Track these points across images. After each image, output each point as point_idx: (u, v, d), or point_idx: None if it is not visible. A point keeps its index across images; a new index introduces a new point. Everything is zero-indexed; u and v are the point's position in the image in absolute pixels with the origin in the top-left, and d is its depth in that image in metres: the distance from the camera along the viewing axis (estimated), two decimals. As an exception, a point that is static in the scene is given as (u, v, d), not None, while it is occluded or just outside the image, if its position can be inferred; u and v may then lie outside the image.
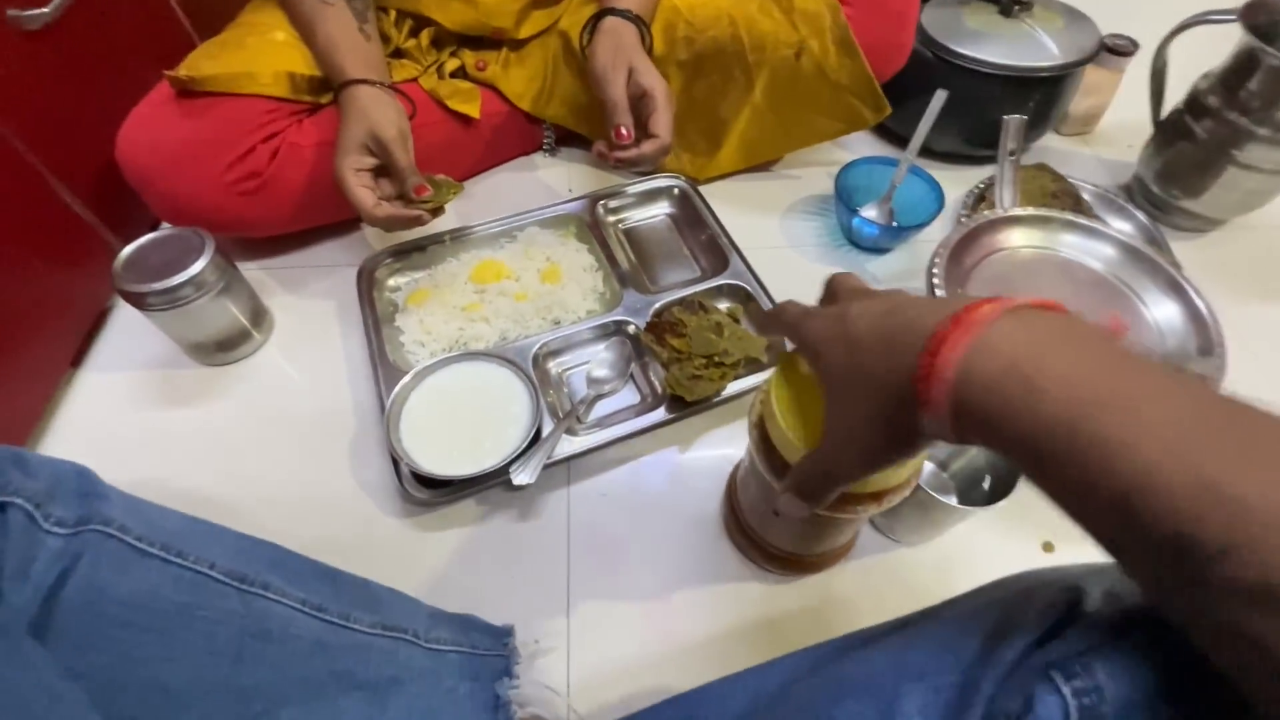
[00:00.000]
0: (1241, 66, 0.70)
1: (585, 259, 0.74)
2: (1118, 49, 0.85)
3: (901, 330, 0.25)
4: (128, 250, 0.61)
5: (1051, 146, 0.93)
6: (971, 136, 0.85)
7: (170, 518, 0.40)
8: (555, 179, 0.86)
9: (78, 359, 0.68)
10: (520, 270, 0.72)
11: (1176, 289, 0.54)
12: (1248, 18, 0.68)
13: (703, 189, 0.81)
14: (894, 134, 0.91)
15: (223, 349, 0.67)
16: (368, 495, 0.60)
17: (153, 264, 0.60)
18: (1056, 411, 0.20)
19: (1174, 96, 0.78)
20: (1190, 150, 0.75)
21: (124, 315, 0.72)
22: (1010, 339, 0.22)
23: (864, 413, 0.27)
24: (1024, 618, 0.28)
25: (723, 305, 0.70)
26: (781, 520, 0.48)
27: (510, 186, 0.85)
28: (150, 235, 0.62)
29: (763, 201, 0.84)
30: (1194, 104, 0.75)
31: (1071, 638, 0.25)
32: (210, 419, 0.65)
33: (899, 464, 0.31)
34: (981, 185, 0.82)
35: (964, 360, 0.22)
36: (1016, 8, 0.80)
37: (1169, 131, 0.78)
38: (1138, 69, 0.83)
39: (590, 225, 0.76)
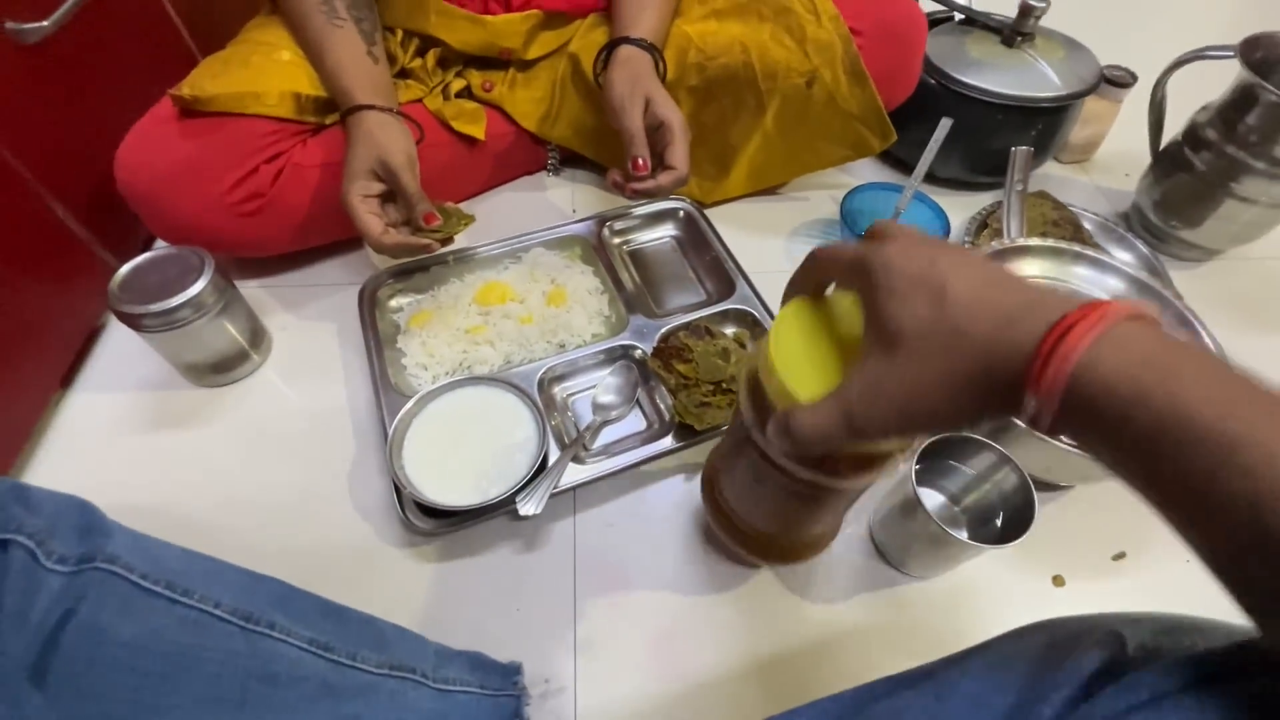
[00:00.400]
0: (1240, 101, 0.71)
1: (591, 281, 0.73)
2: (1116, 80, 0.86)
3: (1019, 307, 0.24)
4: (124, 270, 0.59)
5: (1051, 174, 0.94)
6: (975, 164, 0.86)
7: (172, 553, 0.39)
8: (560, 199, 0.86)
9: (68, 379, 0.67)
10: (525, 292, 0.71)
11: (1185, 324, 0.55)
12: (1246, 54, 0.70)
13: (708, 212, 0.80)
14: (898, 159, 0.91)
15: (219, 370, 0.65)
16: (367, 523, 0.58)
17: (150, 284, 0.58)
18: (1198, 407, 0.20)
19: (1172, 127, 0.80)
20: (1189, 182, 0.76)
21: (117, 334, 0.70)
22: (1143, 336, 0.22)
23: (940, 373, 0.25)
24: (1060, 671, 0.27)
25: (729, 330, 0.69)
26: (765, 495, 0.43)
27: (514, 206, 0.85)
28: (148, 254, 0.61)
29: (768, 224, 0.84)
30: (1193, 136, 0.76)
31: (1114, 695, 0.25)
32: (204, 442, 0.63)
33: (940, 433, 0.29)
34: (984, 212, 0.83)
35: (1094, 347, 0.22)
36: (1018, 38, 0.81)
37: (1168, 163, 0.79)
38: (1135, 98, 0.84)
39: (595, 247, 0.75)
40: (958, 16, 0.87)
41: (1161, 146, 0.81)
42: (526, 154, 0.85)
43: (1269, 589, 0.20)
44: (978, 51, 0.82)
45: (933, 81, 0.80)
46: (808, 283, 0.35)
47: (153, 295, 0.57)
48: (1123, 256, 0.77)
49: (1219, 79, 0.73)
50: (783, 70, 0.70)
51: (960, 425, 0.27)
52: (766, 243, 0.82)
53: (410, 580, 0.55)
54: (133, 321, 0.58)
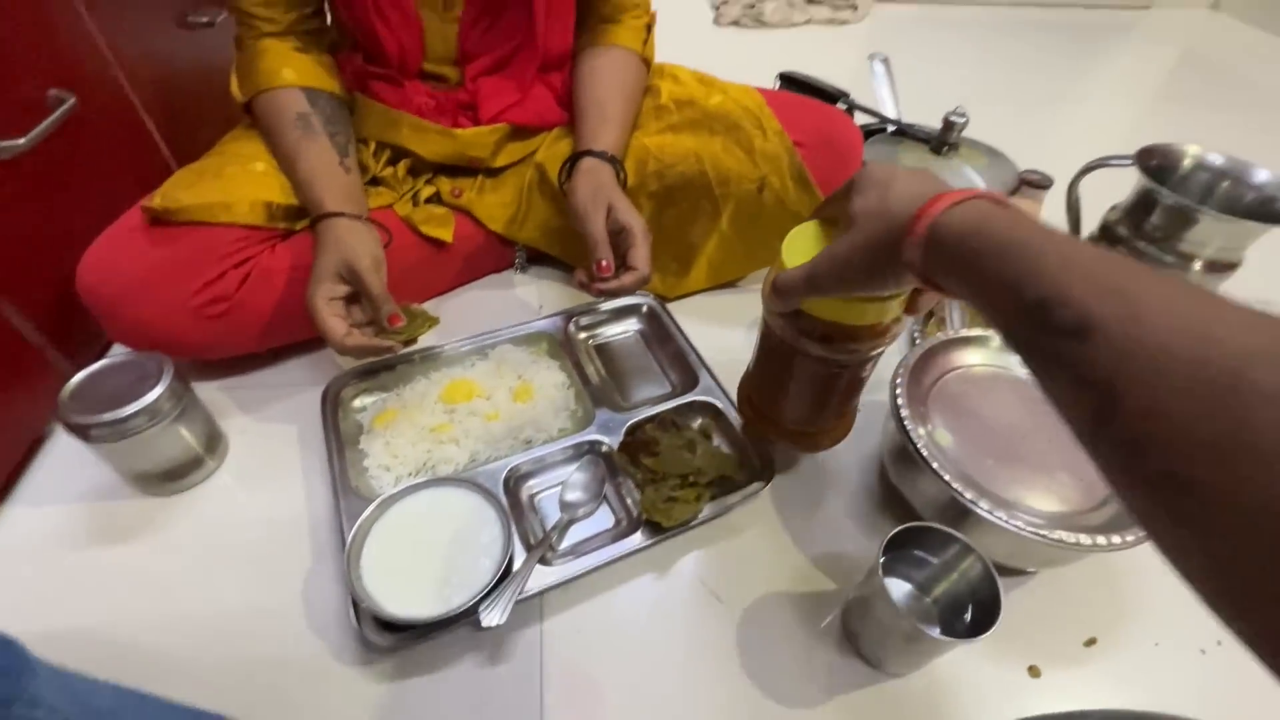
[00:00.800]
0: (1142, 203, 0.79)
1: (557, 376, 0.74)
2: (1035, 182, 0.94)
3: (920, 193, 0.35)
4: (77, 378, 0.58)
5: (987, 264, 1.00)
6: (916, 257, 0.92)
7: (103, 693, 0.36)
8: (526, 296, 0.88)
9: (5, 491, 0.63)
10: (491, 389, 0.71)
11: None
12: (1142, 161, 0.78)
13: (671, 305, 0.84)
14: (845, 253, 0.97)
15: (170, 479, 0.63)
16: (321, 640, 0.55)
17: (104, 392, 0.57)
18: (1003, 233, 0.30)
19: (1090, 222, 0.87)
20: (1109, 273, 0.83)
21: (62, 441, 0.67)
22: (987, 205, 0.33)
23: (866, 236, 0.38)
24: None
25: (695, 423, 0.70)
26: (788, 380, 0.57)
27: (481, 304, 0.86)
28: (103, 362, 0.60)
29: (728, 316, 0.88)
30: (1107, 232, 0.83)
31: None
32: (150, 557, 0.60)
33: (865, 290, 0.41)
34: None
35: (951, 208, 0.33)
36: (946, 148, 0.90)
37: (1089, 255, 0.86)
38: (1055, 198, 0.93)
39: (562, 342, 0.77)
40: (890, 128, 0.96)
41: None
42: (494, 254, 0.88)
43: (1034, 352, 0.28)
44: (910, 159, 0.90)
45: (872, 185, 0.87)
46: (822, 212, 0.49)
47: (106, 404, 0.56)
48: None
49: (1125, 181, 0.81)
50: (735, 177, 0.75)
51: (874, 279, 0.39)
52: (727, 333, 0.85)
53: (365, 703, 0.52)
54: (81, 432, 0.56)
